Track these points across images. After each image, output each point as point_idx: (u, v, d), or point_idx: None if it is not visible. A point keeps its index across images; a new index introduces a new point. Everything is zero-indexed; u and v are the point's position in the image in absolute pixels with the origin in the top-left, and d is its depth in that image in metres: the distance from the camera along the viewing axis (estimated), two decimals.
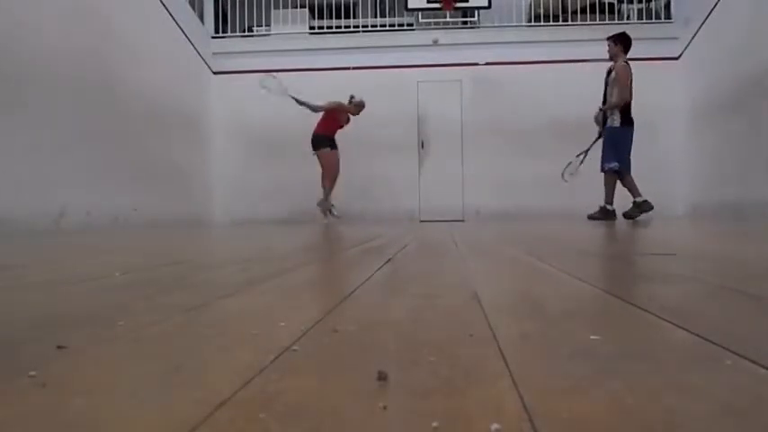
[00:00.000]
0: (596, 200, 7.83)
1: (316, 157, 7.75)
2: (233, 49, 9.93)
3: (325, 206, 7.91)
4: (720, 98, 7.92)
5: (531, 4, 10.01)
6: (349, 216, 9.35)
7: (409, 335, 0.64)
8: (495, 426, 0.35)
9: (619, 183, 6.78)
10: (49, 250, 2.65)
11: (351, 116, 8.01)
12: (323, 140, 7.73)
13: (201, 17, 9.82)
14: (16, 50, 5.13)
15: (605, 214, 6.72)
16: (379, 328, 0.68)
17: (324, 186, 7.82)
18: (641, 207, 6.63)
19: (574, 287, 1.04)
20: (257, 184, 9.71)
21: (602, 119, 6.99)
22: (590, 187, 8.01)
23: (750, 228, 4.05)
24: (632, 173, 6.80)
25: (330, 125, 7.83)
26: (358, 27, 10.15)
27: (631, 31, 9.69)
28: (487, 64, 9.70)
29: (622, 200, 6.98)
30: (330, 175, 7.76)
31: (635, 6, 10.08)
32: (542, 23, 9.85)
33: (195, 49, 9.14)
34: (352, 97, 8.01)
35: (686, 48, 9.13)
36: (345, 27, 10.26)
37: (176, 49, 8.53)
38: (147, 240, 3.52)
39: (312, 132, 7.81)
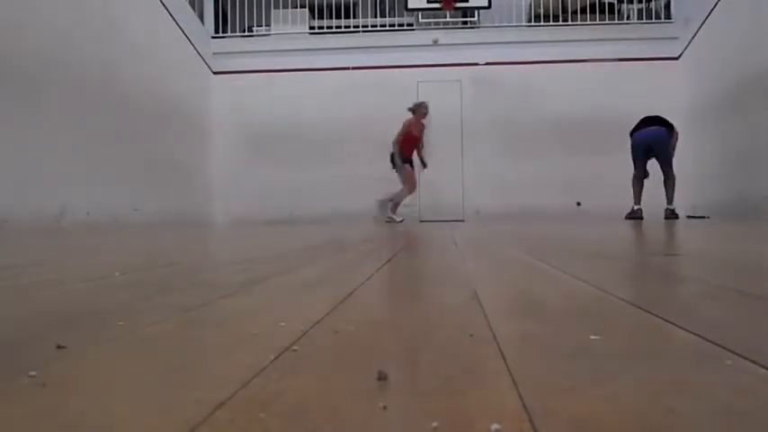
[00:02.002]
0: (596, 199, 7.85)
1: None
2: (233, 49, 9.93)
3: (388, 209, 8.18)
4: (720, 98, 7.92)
5: (531, 4, 10.01)
6: (348, 216, 9.35)
7: (409, 335, 0.64)
8: (495, 426, 0.35)
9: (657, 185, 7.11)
10: (49, 250, 2.65)
11: (422, 122, 8.07)
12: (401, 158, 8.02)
13: (201, 17, 9.82)
14: (16, 52, 5.13)
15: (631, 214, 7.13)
16: (379, 328, 0.68)
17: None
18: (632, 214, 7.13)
19: (574, 287, 1.04)
20: (257, 185, 9.71)
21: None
22: (590, 187, 8.02)
23: (750, 228, 4.05)
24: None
25: (407, 144, 8.04)
26: (358, 27, 10.15)
27: (631, 31, 9.71)
28: (487, 64, 9.70)
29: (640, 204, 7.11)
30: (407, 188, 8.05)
31: (635, 6, 10.08)
32: (542, 23, 9.85)
33: (195, 49, 9.14)
34: (409, 108, 8.05)
35: (686, 48, 9.13)
36: (345, 27, 10.26)
37: (176, 49, 8.53)
38: (147, 240, 3.52)
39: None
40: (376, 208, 8.15)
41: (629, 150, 7.14)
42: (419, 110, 7.91)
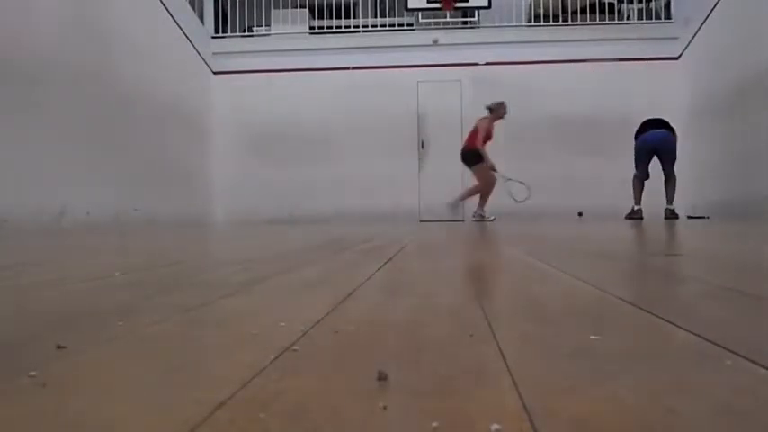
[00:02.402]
0: (596, 200, 7.86)
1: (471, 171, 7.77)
2: (233, 49, 9.93)
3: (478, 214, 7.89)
4: (720, 98, 7.92)
5: (531, 4, 10.01)
6: (348, 216, 9.35)
7: (409, 335, 0.64)
8: (495, 426, 0.35)
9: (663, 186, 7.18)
10: (49, 250, 2.64)
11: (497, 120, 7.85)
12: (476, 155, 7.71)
13: (201, 17, 9.82)
14: (17, 52, 5.13)
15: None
16: (379, 328, 0.68)
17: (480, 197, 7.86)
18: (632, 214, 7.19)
19: (574, 287, 1.04)
20: (257, 184, 9.71)
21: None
22: (590, 187, 8.02)
23: (750, 228, 4.05)
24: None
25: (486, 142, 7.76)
26: (358, 27, 10.15)
27: (631, 31, 9.71)
28: (487, 64, 9.70)
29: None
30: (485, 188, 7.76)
31: (635, 6, 10.09)
32: (542, 23, 9.85)
33: (195, 49, 9.14)
34: (487, 106, 7.77)
35: (686, 48, 9.13)
36: (345, 27, 10.26)
37: (176, 50, 8.53)
38: (147, 240, 3.52)
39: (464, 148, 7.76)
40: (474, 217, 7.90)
41: (634, 152, 7.17)
42: (498, 110, 7.71)
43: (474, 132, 7.75)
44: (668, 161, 7.00)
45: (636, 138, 7.19)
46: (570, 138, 9.18)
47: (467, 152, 7.78)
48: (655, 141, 7.00)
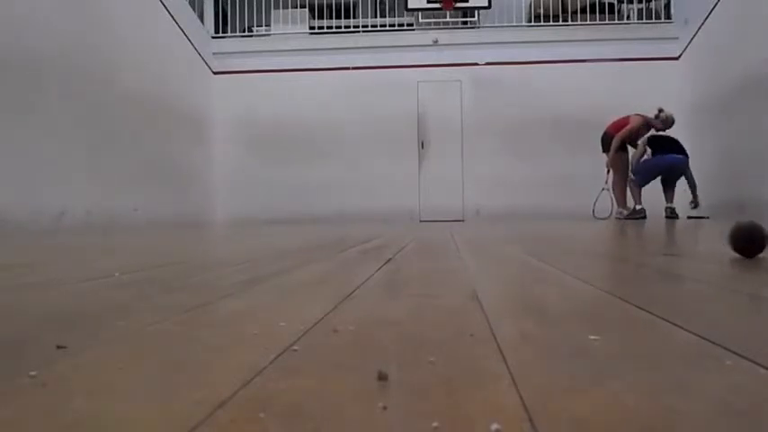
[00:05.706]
0: (595, 200, 7.85)
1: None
2: (233, 49, 9.93)
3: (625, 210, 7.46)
4: (720, 98, 7.92)
5: (531, 4, 10.00)
6: (348, 216, 9.35)
7: (409, 335, 0.64)
8: (495, 426, 0.35)
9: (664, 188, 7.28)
10: (49, 250, 2.64)
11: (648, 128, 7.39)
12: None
13: (201, 17, 9.81)
14: (16, 52, 5.13)
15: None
16: (379, 328, 0.68)
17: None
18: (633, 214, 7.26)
19: (574, 287, 1.04)
20: (257, 184, 9.71)
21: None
22: (590, 187, 8.02)
23: None
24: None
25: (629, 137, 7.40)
26: (358, 27, 10.15)
27: (631, 31, 9.71)
28: (487, 64, 9.70)
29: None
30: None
31: (635, 6, 10.08)
32: (542, 23, 9.84)
33: (195, 49, 9.14)
34: (660, 111, 7.28)
35: (686, 48, 9.12)
36: (345, 27, 10.26)
37: (176, 50, 8.53)
38: (146, 240, 3.52)
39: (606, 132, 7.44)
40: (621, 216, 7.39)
41: (638, 159, 7.11)
42: (655, 120, 7.25)
43: (625, 121, 7.32)
44: (673, 180, 7.04)
45: (653, 155, 7.05)
46: (570, 138, 9.18)
47: (604, 135, 7.43)
48: (673, 166, 6.91)
